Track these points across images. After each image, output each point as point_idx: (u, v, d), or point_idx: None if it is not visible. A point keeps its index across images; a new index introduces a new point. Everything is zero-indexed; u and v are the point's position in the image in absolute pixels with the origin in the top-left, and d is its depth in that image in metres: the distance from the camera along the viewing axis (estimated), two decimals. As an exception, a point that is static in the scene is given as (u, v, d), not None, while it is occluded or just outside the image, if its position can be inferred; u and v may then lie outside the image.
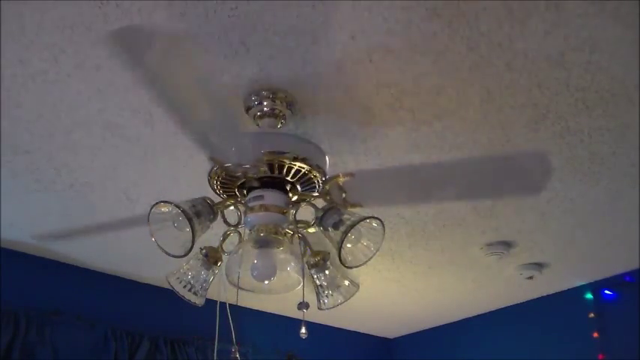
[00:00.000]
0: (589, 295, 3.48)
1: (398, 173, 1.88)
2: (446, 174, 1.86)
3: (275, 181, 1.85)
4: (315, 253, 1.92)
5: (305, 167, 1.83)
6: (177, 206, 1.73)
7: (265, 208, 1.84)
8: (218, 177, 1.88)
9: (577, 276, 3.46)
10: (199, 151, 2.24)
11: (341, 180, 1.86)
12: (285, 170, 1.82)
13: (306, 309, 1.86)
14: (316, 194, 1.89)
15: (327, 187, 1.86)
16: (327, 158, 1.91)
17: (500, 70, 1.90)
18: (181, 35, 1.76)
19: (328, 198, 1.89)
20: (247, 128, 2.10)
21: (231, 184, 1.89)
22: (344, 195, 1.87)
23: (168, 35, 1.76)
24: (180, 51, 1.82)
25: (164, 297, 2.99)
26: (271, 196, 1.84)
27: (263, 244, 1.82)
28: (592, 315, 3.41)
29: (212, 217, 1.83)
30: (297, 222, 1.90)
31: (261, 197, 1.84)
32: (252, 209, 1.84)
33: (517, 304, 3.83)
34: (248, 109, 2.01)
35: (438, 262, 3.25)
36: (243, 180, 1.86)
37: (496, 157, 2.07)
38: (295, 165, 1.82)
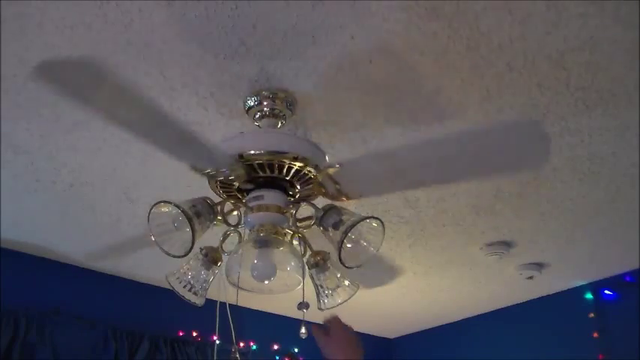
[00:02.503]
0: (589, 295, 3.48)
1: (393, 160, 1.85)
2: (443, 155, 1.82)
3: (275, 181, 1.85)
4: (315, 253, 1.92)
5: (305, 167, 1.83)
6: (177, 206, 1.73)
7: (265, 208, 1.83)
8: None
9: (577, 276, 3.46)
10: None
11: (331, 171, 1.84)
12: (285, 170, 1.82)
13: (306, 309, 1.86)
14: (310, 188, 1.87)
15: (318, 179, 1.85)
16: (327, 158, 1.91)
17: (500, 70, 1.90)
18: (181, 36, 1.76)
19: (324, 191, 1.88)
20: (247, 128, 2.10)
21: (231, 184, 1.89)
22: (337, 186, 1.85)
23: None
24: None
25: (164, 297, 2.99)
26: (271, 196, 1.84)
27: (263, 244, 1.82)
28: (592, 315, 3.41)
29: (212, 217, 1.83)
30: (297, 220, 1.90)
31: (261, 197, 1.84)
32: (252, 209, 1.84)
33: (517, 304, 3.83)
34: (248, 109, 2.01)
35: (438, 262, 3.25)
36: (233, 181, 1.86)
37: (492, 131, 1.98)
38: (295, 165, 1.82)
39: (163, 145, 1.70)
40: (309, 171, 1.84)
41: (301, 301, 1.86)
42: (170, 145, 1.70)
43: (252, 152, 1.79)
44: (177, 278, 1.90)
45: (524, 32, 1.75)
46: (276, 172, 1.82)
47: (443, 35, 1.76)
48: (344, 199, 1.88)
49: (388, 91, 1.99)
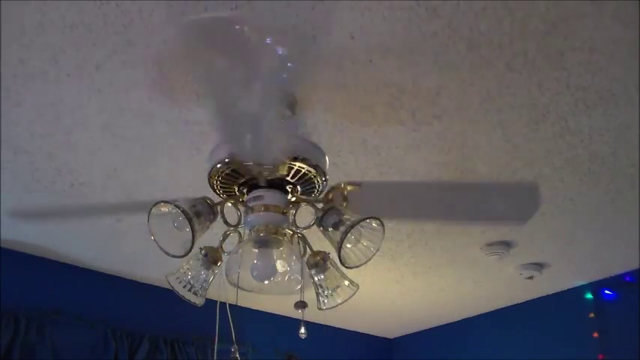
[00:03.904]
0: (589, 295, 3.48)
1: (400, 188, 1.89)
2: (434, 198, 1.89)
3: (275, 181, 1.85)
4: (315, 253, 1.92)
5: (305, 167, 1.83)
6: (177, 206, 1.73)
7: (265, 208, 1.83)
8: (218, 177, 1.88)
9: (577, 276, 3.46)
10: (199, 151, 2.24)
11: (346, 190, 1.84)
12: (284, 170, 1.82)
13: (304, 309, 1.86)
14: (319, 200, 1.88)
15: (330, 195, 1.85)
16: (327, 158, 1.91)
17: (500, 70, 1.90)
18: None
19: (330, 203, 1.88)
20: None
21: (231, 184, 1.89)
22: (345, 204, 1.85)
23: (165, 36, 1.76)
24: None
25: (164, 297, 3.00)
26: (271, 196, 1.84)
27: (263, 244, 1.82)
28: (592, 315, 3.41)
29: (212, 217, 1.83)
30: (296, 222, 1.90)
31: (261, 197, 1.84)
32: (252, 209, 1.84)
33: (517, 304, 3.83)
34: (248, 109, 2.00)
35: (438, 262, 3.25)
36: (244, 179, 1.86)
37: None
38: (295, 165, 1.82)
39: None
40: (309, 171, 1.84)
41: (298, 300, 1.86)
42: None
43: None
44: (177, 278, 1.90)
45: (524, 32, 1.75)
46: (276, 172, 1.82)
47: (443, 35, 1.76)
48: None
49: (388, 90, 1.99)
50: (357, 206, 1.86)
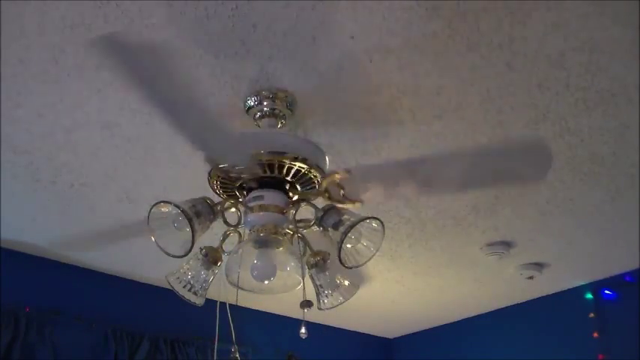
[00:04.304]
0: (589, 295, 3.48)
1: (398, 168, 1.89)
2: (445, 167, 1.88)
3: (275, 181, 1.85)
4: (315, 253, 1.92)
5: (305, 167, 1.83)
6: (177, 206, 1.73)
7: (265, 208, 1.84)
8: (218, 177, 1.88)
9: (577, 276, 3.46)
10: (199, 151, 2.24)
11: (338, 177, 1.85)
12: (285, 170, 1.82)
13: (309, 307, 1.86)
14: (314, 191, 1.88)
15: (324, 184, 1.86)
16: (327, 158, 1.92)
17: (500, 70, 1.90)
18: (181, 36, 1.76)
19: (327, 196, 1.89)
20: (247, 128, 2.10)
21: (231, 184, 1.89)
22: (342, 192, 1.86)
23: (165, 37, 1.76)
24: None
25: (164, 297, 2.99)
26: (271, 196, 1.84)
27: (263, 244, 1.82)
28: (592, 315, 3.41)
29: (212, 217, 1.83)
30: (297, 222, 1.90)
31: (260, 197, 1.84)
32: (252, 209, 1.84)
33: (517, 304, 3.83)
34: (248, 109, 2.01)
35: (438, 262, 3.25)
36: (242, 180, 1.86)
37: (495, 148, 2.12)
38: (295, 165, 1.82)
39: (186, 129, 1.69)
40: (310, 171, 1.84)
41: (303, 299, 1.86)
42: (192, 130, 1.69)
43: (252, 152, 1.79)
44: (177, 278, 1.90)
45: (524, 32, 1.75)
46: (276, 172, 1.82)
47: (443, 35, 1.76)
48: (348, 204, 1.88)
49: (388, 90, 1.98)
50: (355, 191, 1.88)
